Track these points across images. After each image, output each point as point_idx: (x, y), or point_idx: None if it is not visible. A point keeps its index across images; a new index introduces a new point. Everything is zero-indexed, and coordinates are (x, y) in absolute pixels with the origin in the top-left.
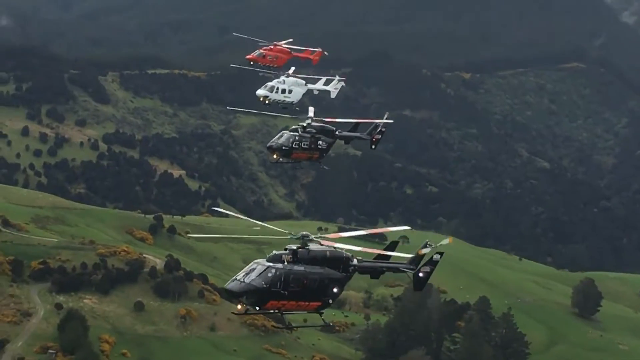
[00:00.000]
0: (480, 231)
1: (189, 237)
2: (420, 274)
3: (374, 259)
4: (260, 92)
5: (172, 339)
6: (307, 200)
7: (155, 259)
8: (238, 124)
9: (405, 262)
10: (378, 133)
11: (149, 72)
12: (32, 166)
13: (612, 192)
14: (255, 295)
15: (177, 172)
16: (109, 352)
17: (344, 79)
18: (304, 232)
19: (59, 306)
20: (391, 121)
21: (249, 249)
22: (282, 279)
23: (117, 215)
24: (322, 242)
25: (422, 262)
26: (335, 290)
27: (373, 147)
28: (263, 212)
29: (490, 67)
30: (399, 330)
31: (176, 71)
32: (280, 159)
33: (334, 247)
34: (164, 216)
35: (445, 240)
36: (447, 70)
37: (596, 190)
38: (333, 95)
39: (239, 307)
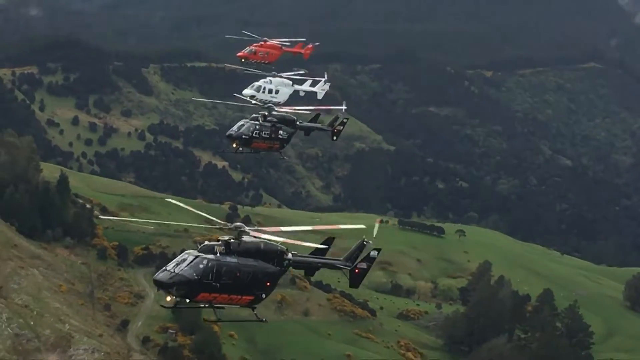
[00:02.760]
0: (511, 227)
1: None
2: (356, 271)
3: (310, 254)
4: (247, 91)
5: (271, 323)
6: (343, 193)
7: None
8: None
9: (341, 258)
10: (340, 124)
11: (188, 64)
12: (84, 155)
13: (631, 191)
14: (186, 287)
15: (220, 164)
16: (219, 333)
17: (329, 82)
18: (238, 223)
19: None
20: (343, 108)
21: (318, 240)
22: (214, 271)
23: (195, 204)
24: (256, 234)
25: (359, 259)
26: (268, 284)
27: (335, 138)
28: (302, 204)
29: (511, 65)
30: (476, 320)
31: (213, 64)
32: (240, 148)
33: (268, 240)
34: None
35: (376, 227)
36: (470, 68)
37: (616, 189)
38: (320, 97)
39: (168, 298)
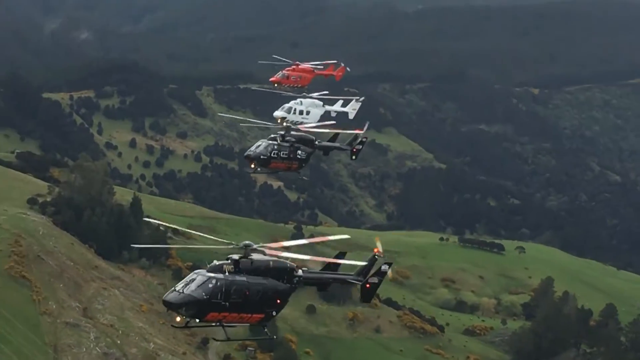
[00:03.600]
0: (563, 243)
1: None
2: (368, 286)
3: (321, 269)
4: (278, 113)
5: (344, 340)
6: (396, 211)
7: (315, 266)
8: (327, 137)
9: (352, 273)
10: (358, 144)
11: (241, 86)
12: (143, 177)
13: None
14: (195, 307)
15: (275, 184)
16: (296, 350)
17: (362, 99)
18: (247, 242)
19: None
20: (362, 131)
21: (381, 257)
22: (223, 290)
23: (261, 224)
24: (266, 252)
25: (370, 274)
26: (278, 301)
27: (354, 157)
28: (356, 223)
29: (558, 82)
30: (543, 335)
31: (266, 86)
32: (258, 169)
33: (279, 259)
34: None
35: (378, 244)
36: (517, 86)
37: None
38: (351, 117)
39: (178, 319)
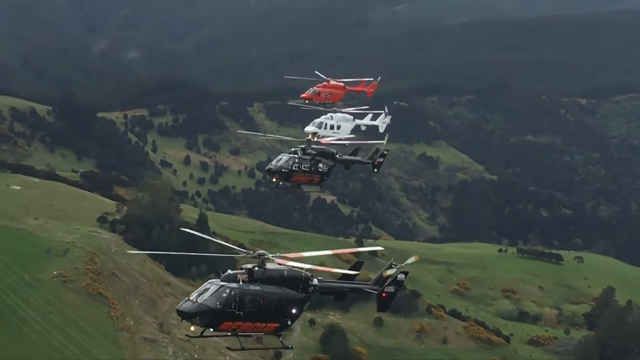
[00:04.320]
0: (617, 252)
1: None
2: (384, 295)
3: (338, 279)
4: (309, 128)
5: (413, 351)
6: (448, 223)
7: None
8: None
9: (369, 282)
10: (380, 156)
11: (289, 102)
12: (198, 193)
13: None
14: (209, 316)
15: (329, 198)
16: None
17: (390, 116)
18: (261, 251)
19: (312, 322)
20: (383, 142)
21: (441, 270)
22: (237, 299)
23: (322, 239)
24: (280, 261)
25: (387, 283)
26: (293, 311)
27: (375, 170)
28: (410, 235)
29: (605, 92)
30: (608, 344)
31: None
32: (280, 183)
33: (292, 267)
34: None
35: (412, 259)
36: (564, 96)
37: None
38: (381, 130)
39: (192, 328)
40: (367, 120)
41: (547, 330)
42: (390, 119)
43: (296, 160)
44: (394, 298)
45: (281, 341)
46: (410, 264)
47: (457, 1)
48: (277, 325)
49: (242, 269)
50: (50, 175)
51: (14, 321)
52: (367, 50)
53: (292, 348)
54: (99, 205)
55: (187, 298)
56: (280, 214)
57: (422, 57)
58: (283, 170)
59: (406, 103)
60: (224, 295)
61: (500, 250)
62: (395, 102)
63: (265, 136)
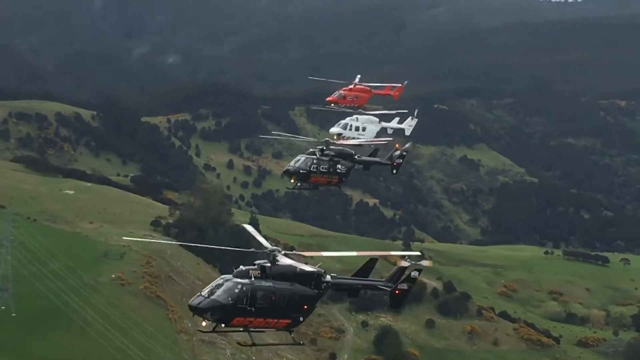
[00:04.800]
0: None
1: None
2: (397, 292)
3: (352, 275)
4: (334, 130)
5: (464, 353)
6: (490, 226)
7: (429, 281)
8: (419, 153)
9: (383, 280)
10: (399, 157)
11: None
12: (242, 197)
13: None
14: (220, 312)
15: (371, 201)
16: None
17: (417, 119)
18: (274, 247)
19: (364, 324)
20: (408, 145)
21: (487, 272)
22: (249, 295)
23: (369, 242)
24: (292, 258)
25: (400, 280)
26: (305, 307)
27: (394, 172)
28: (452, 238)
29: None
30: None
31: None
32: (299, 184)
33: (303, 266)
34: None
35: (426, 262)
36: (603, 98)
37: None
38: (407, 133)
39: (204, 324)
40: (393, 124)
41: (595, 332)
42: (417, 123)
43: (314, 161)
44: (407, 295)
45: (292, 337)
46: (424, 265)
47: (494, 4)
48: (289, 321)
49: (254, 264)
50: (101, 180)
51: (77, 322)
52: (406, 53)
53: (303, 344)
54: (151, 209)
55: (199, 293)
56: (323, 217)
57: (461, 60)
58: (301, 171)
59: (446, 106)
60: (236, 291)
61: (546, 253)
62: (435, 105)
63: (287, 136)
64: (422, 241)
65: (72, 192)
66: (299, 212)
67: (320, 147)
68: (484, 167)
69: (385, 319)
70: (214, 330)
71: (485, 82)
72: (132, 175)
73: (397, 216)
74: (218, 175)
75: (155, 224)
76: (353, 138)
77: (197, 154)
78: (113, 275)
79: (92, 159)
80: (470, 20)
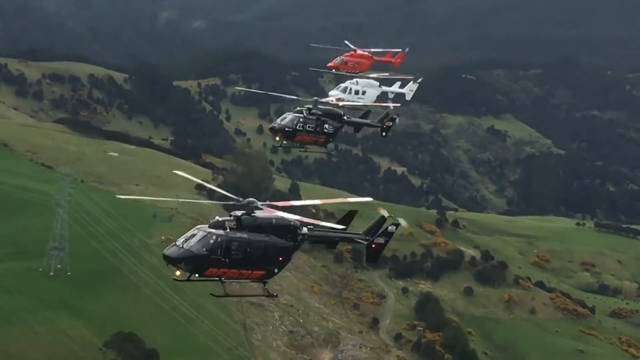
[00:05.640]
0: None
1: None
2: (374, 246)
3: (330, 228)
4: (333, 92)
5: (502, 321)
6: (516, 197)
7: (467, 250)
8: (446, 123)
9: (360, 232)
10: (389, 120)
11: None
12: (272, 162)
13: None
14: (194, 262)
15: (399, 169)
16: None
17: (420, 79)
18: (250, 199)
19: (404, 290)
20: (393, 106)
21: (520, 242)
22: (223, 246)
23: (405, 210)
24: (269, 209)
25: (377, 234)
26: (280, 259)
27: (384, 134)
28: (478, 207)
29: None
30: None
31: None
32: (284, 142)
33: (282, 216)
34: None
35: (404, 222)
36: (630, 72)
37: None
38: (408, 98)
39: (178, 273)
40: (394, 88)
41: (627, 303)
42: (417, 88)
43: (301, 119)
44: (383, 249)
45: (266, 289)
46: (403, 225)
47: None
48: (263, 272)
49: (230, 216)
50: (144, 143)
51: (132, 281)
52: (432, 23)
53: (276, 296)
54: (193, 173)
55: (173, 243)
56: (351, 184)
57: (488, 30)
58: (287, 129)
59: (473, 77)
60: (210, 241)
61: (578, 224)
62: (463, 75)
63: (267, 94)
64: (456, 210)
65: (116, 154)
66: (327, 178)
67: (308, 106)
68: (511, 138)
69: (424, 285)
70: (188, 279)
71: (512, 53)
72: (171, 138)
73: (425, 185)
74: (248, 140)
75: (200, 187)
76: (353, 102)
77: (227, 119)
78: (163, 237)
79: (124, 121)
80: None
